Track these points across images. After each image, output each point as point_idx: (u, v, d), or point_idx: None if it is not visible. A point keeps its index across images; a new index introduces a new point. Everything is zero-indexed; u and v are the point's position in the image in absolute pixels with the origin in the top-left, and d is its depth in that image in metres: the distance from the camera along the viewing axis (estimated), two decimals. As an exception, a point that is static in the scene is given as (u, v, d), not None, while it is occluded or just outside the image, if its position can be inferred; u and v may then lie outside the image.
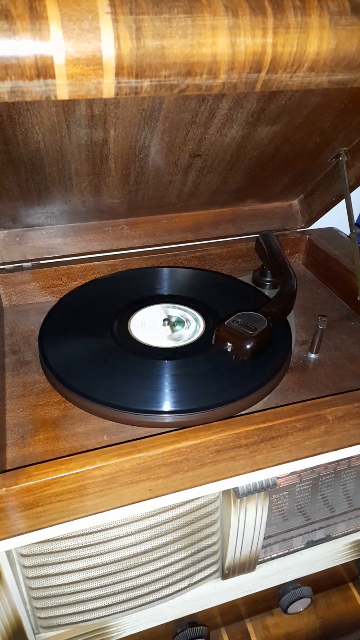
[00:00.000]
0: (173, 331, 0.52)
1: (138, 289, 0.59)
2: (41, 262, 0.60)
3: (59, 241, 0.60)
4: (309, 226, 0.70)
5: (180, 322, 0.52)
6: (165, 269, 0.62)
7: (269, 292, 0.61)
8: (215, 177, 0.56)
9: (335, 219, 0.71)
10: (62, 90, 0.28)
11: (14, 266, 0.59)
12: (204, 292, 0.59)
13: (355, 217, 0.74)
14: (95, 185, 0.51)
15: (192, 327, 0.53)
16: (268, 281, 0.62)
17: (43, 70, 0.26)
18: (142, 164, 0.49)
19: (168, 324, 0.52)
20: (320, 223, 0.70)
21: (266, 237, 0.63)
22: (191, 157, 0.50)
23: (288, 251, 0.69)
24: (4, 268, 0.58)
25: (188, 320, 0.54)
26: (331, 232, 0.70)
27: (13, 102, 0.36)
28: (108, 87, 0.28)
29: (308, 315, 0.59)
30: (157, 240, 0.63)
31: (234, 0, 0.29)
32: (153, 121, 0.42)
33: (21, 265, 0.59)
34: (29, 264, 0.59)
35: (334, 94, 0.44)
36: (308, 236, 0.69)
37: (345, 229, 0.68)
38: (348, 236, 0.69)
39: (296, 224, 0.69)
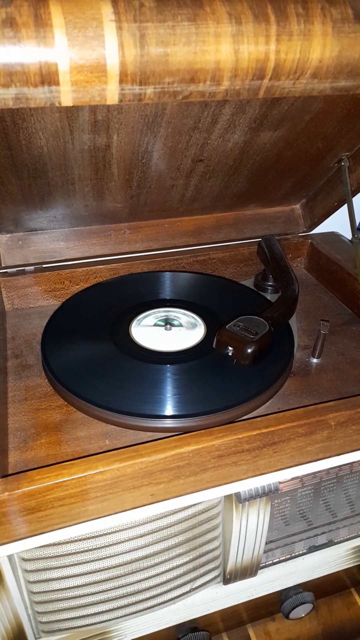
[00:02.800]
0: (169, 329, 0.52)
1: (140, 293, 0.59)
2: (43, 266, 0.60)
3: (62, 245, 0.60)
4: (311, 231, 0.70)
5: (175, 321, 0.52)
6: (167, 273, 0.63)
7: (271, 297, 0.61)
8: (217, 182, 0.56)
9: (337, 223, 0.71)
10: (66, 97, 0.28)
11: (17, 270, 0.59)
12: (205, 296, 0.59)
13: (358, 222, 0.74)
14: (97, 189, 0.52)
15: (193, 331, 0.53)
16: (270, 285, 0.62)
17: (47, 77, 0.27)
18: (144, 168, 0.49)
19: (166, 324, 0.52)
20: (322, 227, 0.70)
21: (268, 242, 0.63)
22: (194, 162, 0.50)
23: (290, 255, 0.69)
24: (6, 272, 0.58)
25: (190, 323, 0.54)
26: (333, 237, 0.70)
27: (17, 108, 0.36)
28: (112, 94, 0.28)
29: (310, 320, 0.59)
30: (160, 244, 0.63)
31: (238, 8, 0.29)
32: (156, 127, 0.42)
33: (23, 269, 0.59)
34: (32, 267, 0.59)
35: (337, 99, 0.44)
36: (310, 240, 0.69)
37: (348, 234, 0.68)
38: (350, 241, 0.69)
39: (298, 228, 0.69)
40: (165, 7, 0.27)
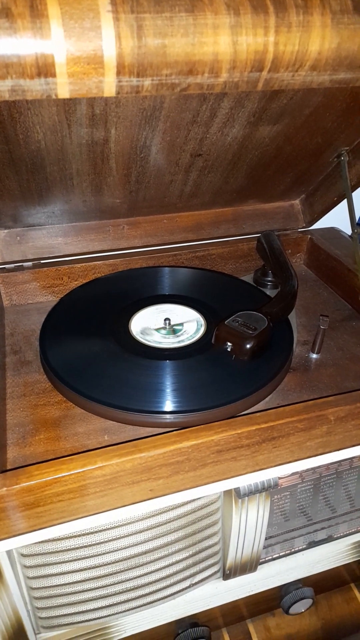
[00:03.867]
0: (173, 333, 0.52)
1: (139, 288, 0.59)
2: (42, 261, 0.60)
3: (60, 241, 0.60)
4: (311, 226, 0.70)
5: (179, 325, 0.52)
6: (166, 268, 0.62)
7: (270, 292, 0.60)
8: (216, 177, 0.56)
9: (336, 218, 0.71)
10: (63, 89, 0.27)
11: (15, 266, 0.59)
12: (205, 291, 0.59)
13: (357, 217, 0.73)
14: (96, 184, 0.51)
15: (193, 327, 0.53)
16: (269, 281, 0.62)
17: (44, 68, 0.26)
18: (143, 163, 0.49)
19: (168, 325, 0.52)
20: (322, 223, 0.69)
21: (267, 237, 0.63)
22: (192, 156, 0.50)
23: (289, 251, 0.69)
24: (4, 267, 0.58)
25: (188, 321, 0.54)
26: (333, 232, 0.70)
27: (14, 101, 0.36)
28: (109, 86, 0.28)
29: (310, 316, 0.59)
30: (158, 240, 0.63)
31: (236, -1, 0.28)
32: (154, 120, 0.42)
33: (22, 265, 0.59)
34: (30, 263, 0.59)
35: (336, 93, 0.44)
36: (309, 236, 0.69)
37: (347, 229, 0.68)
38: (350, 236, 0.69)
39: (298, 223, 0.69)
40: (163, -2, 0.27)
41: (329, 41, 0.30)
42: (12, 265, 0.58)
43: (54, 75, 0.27)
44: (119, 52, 0.27)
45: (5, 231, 0.58)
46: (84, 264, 0.61)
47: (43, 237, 0.59)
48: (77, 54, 0.26)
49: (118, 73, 0.28)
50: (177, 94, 0.32)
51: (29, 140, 0.41)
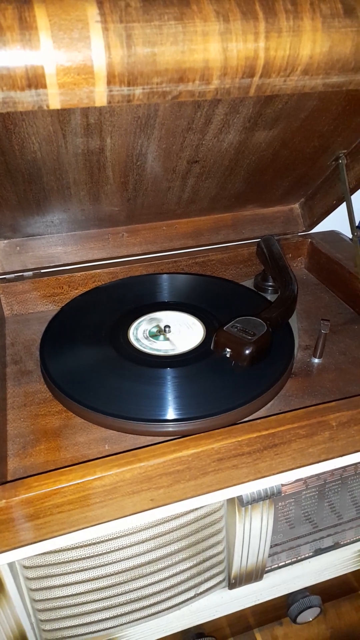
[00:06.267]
0: (168, 332, 0.51)
1: (139, 296, 0.58)
2: (42, 271, 0.60)
3: (60, 250, 0.60)
4: (311, 230, 0.69)
5: (174, 324, 0.52)
6: (166, 275, 0.62)
7: (271, 297, 0.60)
8: (214, 183, 0.56)
9: (336, 222, 0.70)
10: (54, 99, 0.27)
11: (15, 276, 0.59)
12: (205, 298, 0.58)
13: (357, 220, 0.73)
14: (93, 193, 0.51)
15: (193, 333, 0.52)
16: (270, 286, 0.62)
17: (34, 80, 0.26)
18: (140, 171, 0.49)
19: (165, 332, 0.52)
20: (322, 226, 0.69)
21: (267, 242, 0.63)
22: (189, 163, 0.50)
23: (290, 255, 0.68)
24: (4, 278, 0.58)
25: (190, 325, 0.53)
26: (333, 235, 0.70)
27: (8, 113, 0.36)
28: (100, 96, 0.28)
29: (311, 320, 0.58)
30: (158, 247, 0.63)
31: (225, 6, 0.28)
32: (149, 128, 0.42)
33: (22, 275, 0.59)
34: (30, 273, 0.59)
35: (331, 96, 0.44)
36: (310, 240, 0.68)
37: (348, 232, 0.68)
38: (350, 239, 0.69)
39: (297, 227, 0.69)
40: (152, 6, 0.27)
41: (320, 45, 0.30)
42: (13, 275, 0.59)
43: (44, 86, 0.27)
44: (108, 61, 0.27)
45: (5, 241, 0.58)
46: (84, 273, 0.61)
47: (42, 247, 0.59)
48: (67, 65, 0.26)
49: (108, 82, 0.28)
50: (169, 101, 0.32)
51: (25, 150, 0.41)
